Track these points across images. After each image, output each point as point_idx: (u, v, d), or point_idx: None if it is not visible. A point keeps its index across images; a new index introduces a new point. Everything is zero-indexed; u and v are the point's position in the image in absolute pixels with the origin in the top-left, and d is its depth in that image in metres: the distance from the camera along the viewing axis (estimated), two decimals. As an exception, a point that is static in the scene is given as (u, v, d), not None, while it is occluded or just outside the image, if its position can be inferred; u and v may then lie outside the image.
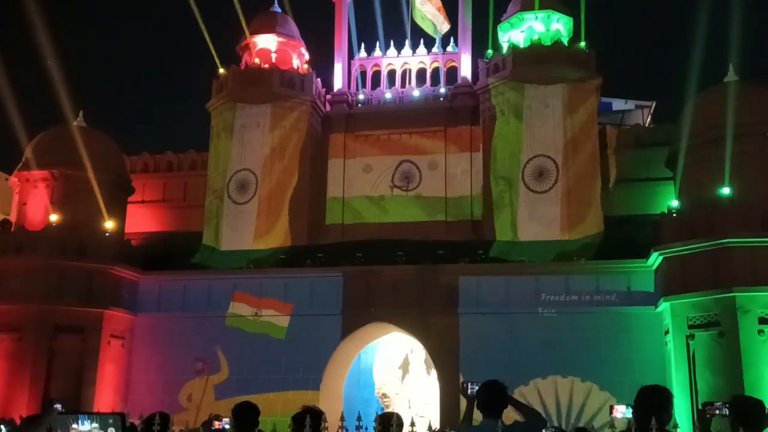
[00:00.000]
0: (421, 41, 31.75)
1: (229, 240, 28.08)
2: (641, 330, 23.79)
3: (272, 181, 28.56)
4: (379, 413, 7.41)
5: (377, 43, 32.03)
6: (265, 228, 28.12)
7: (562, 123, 26.96)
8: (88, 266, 25.17)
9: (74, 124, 27.68)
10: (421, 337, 25.44)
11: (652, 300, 23.77)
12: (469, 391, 6.66)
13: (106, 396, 24.71)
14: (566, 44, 28.68)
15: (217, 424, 7.24)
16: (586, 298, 24.36)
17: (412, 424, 6.19)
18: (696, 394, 21.38)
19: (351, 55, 32.12)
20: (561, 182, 26.37)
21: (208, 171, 29.76)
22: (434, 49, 31.60)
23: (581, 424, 22.11)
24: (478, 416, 6.55)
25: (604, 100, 32.51)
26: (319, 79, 30.83)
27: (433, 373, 25.93)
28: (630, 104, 38.07)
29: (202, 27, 28.77)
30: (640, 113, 36.97)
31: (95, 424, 6.44)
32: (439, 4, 31.05)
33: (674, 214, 23.92)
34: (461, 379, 22.45)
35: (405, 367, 29.25)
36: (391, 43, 32.00)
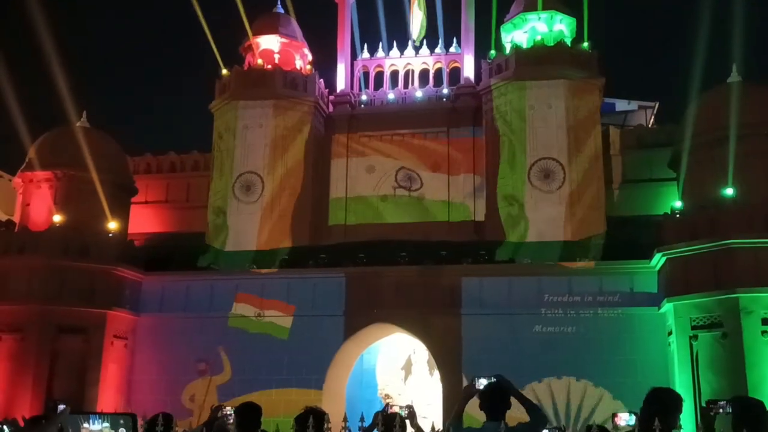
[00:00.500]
0: (424, 42, 31.75)
1: (232, 241, 28.09)
2: (644, 331, 23.76)
3: (276, 183, 28.57)
4: (383, 413, 7.40)
5: (380, 44, 32.04)
6: (269, 229, 28.12)
7: (564, 124, 26.92)
8: (91, 267, 25.20)
9: (77, 124, 27.73)
10: (423, 337, 25.43)
11: (655, 301, 23.74)
12: (477, 385, 6.65)
13: (108, 396, 24.73)
14: (569, 45, 28.66)
15: (226, 410, 7.32)
16: (589, 299, 24.34)
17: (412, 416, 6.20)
18: (699, 396, 21.33)
19: (354, 56, 32.11)
20: (567, 184, 26.33)
21: (211, 172, 29.78)
22: (437, 50, 31.59)
23: (582, 425, 22.10)
24: (480, 416, 6.54)
25: (607, 100, 32.51)
26: (322, 80, 30.84)
27: (436, 374, 25.92)
28: (633, 105, 38.07)
29: (205, 28, 28.83)
30: (643, 114, 36.95)
31: (106, 424, 6.46)
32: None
33: (677, 215, 23.89)
34: (464, 383, 22.49)
35: (408, 367, 29.23)
36: (394, 43, 32.01)
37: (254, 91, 29.34)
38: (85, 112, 28.30)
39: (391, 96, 31.01)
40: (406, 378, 29.14)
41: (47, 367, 24.16)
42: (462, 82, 30.65)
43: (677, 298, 22.53)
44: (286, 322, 25.76)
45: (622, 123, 33.89)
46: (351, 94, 31.25)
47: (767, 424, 5.82)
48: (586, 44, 28.62)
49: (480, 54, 30.46)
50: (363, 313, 25.40)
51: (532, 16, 29.09)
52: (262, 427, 7.07)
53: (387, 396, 28.49)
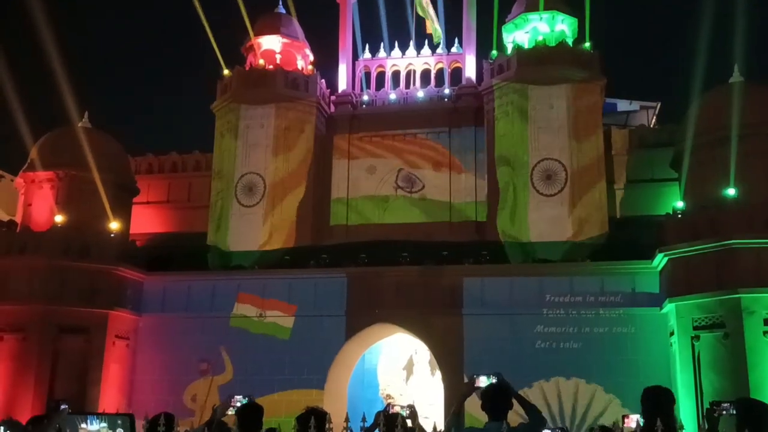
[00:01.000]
0: (426, 42, 31.76)
1: (234, 241, 28.11)
2: (646, 331, 23.74)
3: (277, 183, 28.58)
4: (384, 413, 7.40)
5: (381, 44, 32.06)
6: (271, 229, 28.13)
7: (566, 124, 26.91)
8: (92, 267, 25.22)
9: (79, 125, 27.75)
10: (425, 337, 25.43)
11: (657, 301, 23.72)
12: (476, 382, 6.65)
13: (110, 396, 24.74)
14: (571, 45, 28.64)
15: (233, 402, 7.32)
16: (590, 299, 24.33)
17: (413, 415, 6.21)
18: (701, 396, 21.31)
19: (355, 56, 32.14)
20: (569, 184, 26.31)
21: (212, 172, 29.80)
22: (438, 50, 31.61)
23: (583, 425, 22.10)
24: (482, 417, 6.54)
25: (609, 100, 32.50)
26: (323, 80, 30.85)
27: (438, 374, 25.91)
28: (635, 105, 38.04)
29: (207, 28, 28.83)
30: (644, 114, 36.92)
31: (104, 424, 6.45)
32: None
33: (679, 215, 23.86)
34: (465, 380, 22.45)
35: (409, 368, 29.24)
36: (396, 44, 32.03)
37: (256, 91, 29.35)
38: (86, 113, 28.35)
39: (392, 96, 31.02)
40: (407, 378, 29.15)
41: (49, 367, 24.18)
42: (463, 82, 30.66)
43: (679, 299, 22.51)
44: (288, 322, 25.77)
45: (623, 123, 33.86)
46: (352, 95, 31.26)
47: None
48: (587, 44, 28.60)
49: (481, 54, 30.55)
50: (364, 314, 25.41)
51: (533, 16, 29.07)
52: (268, 427, 7.07)
53: (388, 396, 28.50)
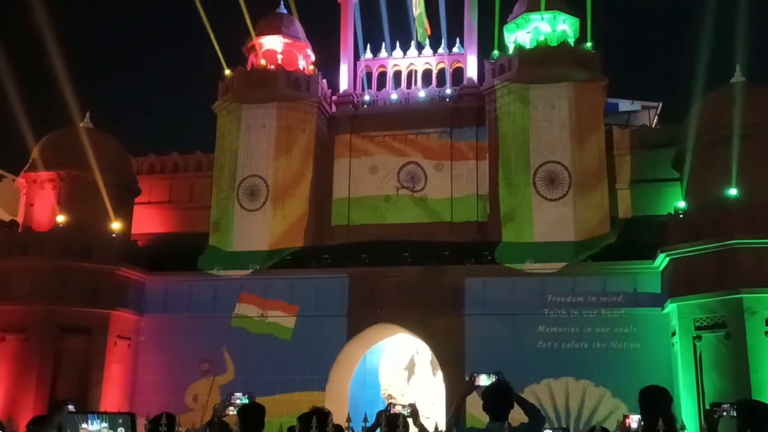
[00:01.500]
0: (427, 42, 31.75)
1: (236, 241, 28.09)
2: (648, 331, 23.73)
3: (279, 183, 28.55)
4: (386, 412, 7.39)
5: (383, 44, 32.03)
6: (273, 230, 28.11)
7: (568, 124, 26.86)
8: (94, 267, 25.23)
9: (81, 125, 27.77)
10: (426, 338, 25.43)
11: (658, 301, 23.70)
12: (477, 381, 6.65)
13: (112, 396, 24.76)
14: (572, 45, 28.60)
15: (232, 400, 7.30)
16: (592, 299, 24.32)
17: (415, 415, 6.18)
18: (703, 396, 21.30)
19: (357, 56, 32.13)
20: (571, 186, 26.24)
21: (214, 172, 29.79)
22: (440, 50, 31.57)
23: (585, 425, 22.08)
24: (483, 417, 6.54)
25: (611, 100, 32.43)
26: (324, 80, 30.83)
27: (439, 374, 25.92)
28: (636, 105, 37.96)
29: (208, 28, 28.79)
30: (646, 114, 36.87)
31: (104, 424, 6.44)
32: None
33: (681, 215, 23.83)
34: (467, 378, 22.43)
35: (411, 368, 29.24)
36: (397, 44, 31.98)
37: (257, 91, 29.33)
38: (88, 113, 28.35)
39: (393, 96, 31.01)
40: (409, 378, 29.15)
41: (50, 368, 24.19)
42: (465, 82, 30.64)
43: (681, 299, 22.49)
44: (289, 322, 25.78)
45: (625, 123, 33.82)
46: (354, 95, 31.25)
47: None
48: (589, 44, 28.56)
49: (483, 54, 30.49)
50: (366, 314, 25.41)
51: (535, 16, 29.04)
52: (265, 428, 7.06)
53: (390, 396, 28.49)
